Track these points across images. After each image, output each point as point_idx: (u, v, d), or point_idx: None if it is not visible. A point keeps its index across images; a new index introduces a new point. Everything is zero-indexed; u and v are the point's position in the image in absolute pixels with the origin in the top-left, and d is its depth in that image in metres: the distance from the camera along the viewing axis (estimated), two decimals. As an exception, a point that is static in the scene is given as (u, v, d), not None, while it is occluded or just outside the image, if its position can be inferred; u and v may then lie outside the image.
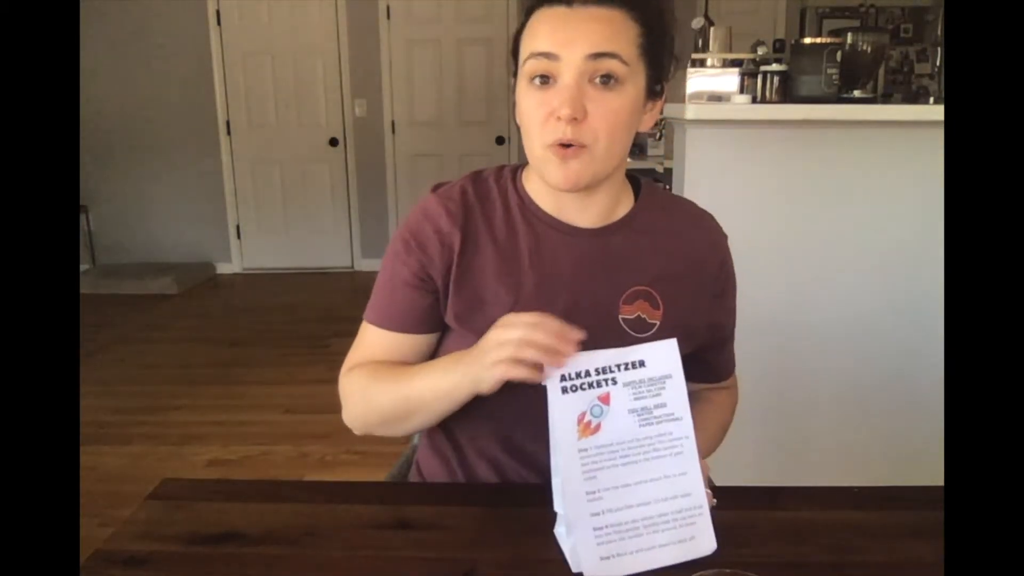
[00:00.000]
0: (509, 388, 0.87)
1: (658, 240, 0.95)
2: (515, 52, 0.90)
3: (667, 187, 2.62)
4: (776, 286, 1.93)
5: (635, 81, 0.85)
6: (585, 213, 0.92)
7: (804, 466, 2.08)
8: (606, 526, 0.74)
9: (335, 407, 1.00)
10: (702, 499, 0.77)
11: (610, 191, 0.92)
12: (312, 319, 4.25)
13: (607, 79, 0.83)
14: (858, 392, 2.02)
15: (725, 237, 1.01)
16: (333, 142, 5.30)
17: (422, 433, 1.08)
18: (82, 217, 5.18)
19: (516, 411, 0.90)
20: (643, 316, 0.92)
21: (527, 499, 0.86)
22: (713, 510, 0.77)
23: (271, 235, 5.43)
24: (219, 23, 5.07)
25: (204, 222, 5.36)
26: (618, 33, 0.83)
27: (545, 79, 0.84)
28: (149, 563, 0.77)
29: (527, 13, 0.88)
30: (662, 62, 0.89)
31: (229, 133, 5.26)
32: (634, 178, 0.99)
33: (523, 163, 0.96)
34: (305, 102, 5.24)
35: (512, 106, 0.93)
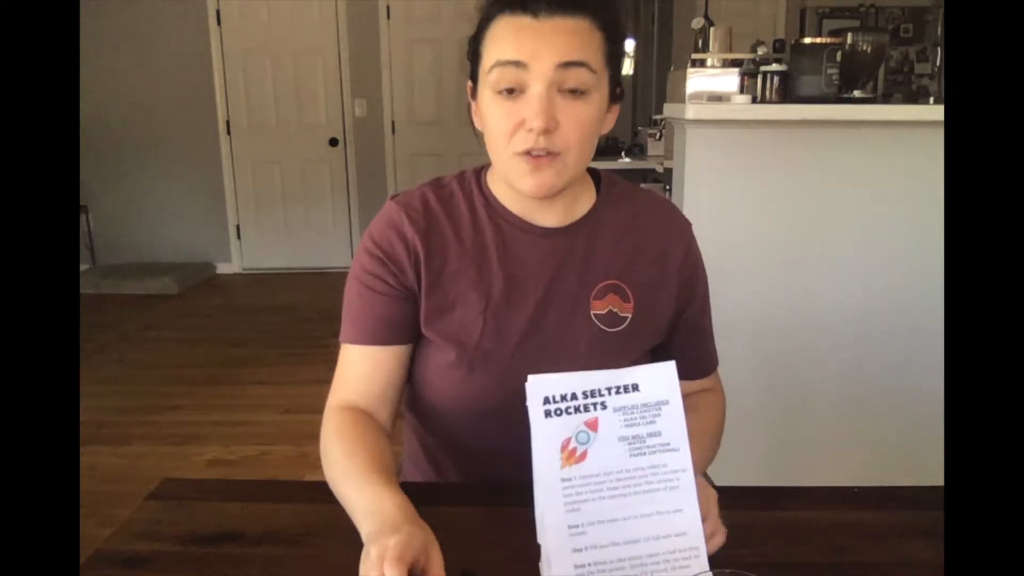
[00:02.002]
0: (488, 425, 0.89)
1: (623, 233, 0.96)
2: (472, 57, 0.89)
3: (667, 187, 2.62)
4: (775, 286, 1.93)
5: (601, 88, 0.85)
6: (550, 213, 0.93)
7: (804, 466, 2.08)
8: (589, 563, 0.69)
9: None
10: (699, 540, 0.70)
11: (573, 190, 0.93)
12: (312, 319, 4.25)
13: (576, 89, 0.82)
14: (858, 392, 2.02)
15: (689, 224, 1.01)
16: (333, 142, 5.30)
17: (404, 456, 1.09)
18: (82, 217, 5.18)
19: (497, 446, 0.90)
20: (614, 310, 0.93)
21: (526, 499, 0.85)
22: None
23: (271, 235, 5.43)
24: (219, 23, 5.07)
25: (204, 222, 5.36)
26: (585, 42, 0.83)
27: (512, 89, 0.83)
28: (149, 563, 0.77)
29: (485, 19, 0.86)
30: (621, 66, 0.89)
31: (229, 133, 5.26)
32: (594, 172, 0.99)
33: (485, 165, 0.96)
34: (305, 102, 5.24)
35: (467, 108, 0.92)
